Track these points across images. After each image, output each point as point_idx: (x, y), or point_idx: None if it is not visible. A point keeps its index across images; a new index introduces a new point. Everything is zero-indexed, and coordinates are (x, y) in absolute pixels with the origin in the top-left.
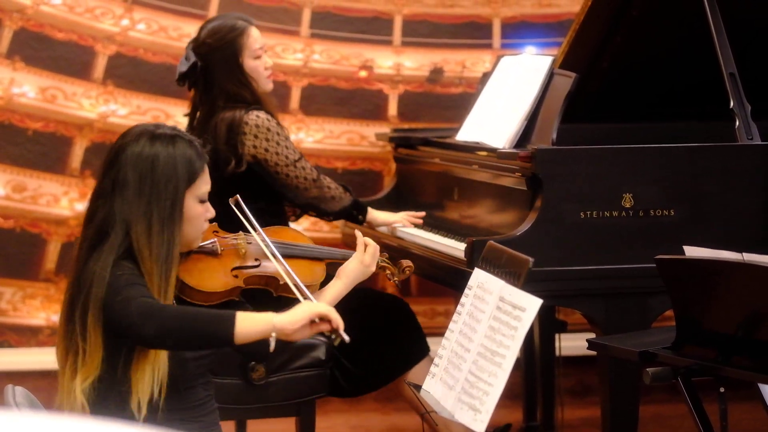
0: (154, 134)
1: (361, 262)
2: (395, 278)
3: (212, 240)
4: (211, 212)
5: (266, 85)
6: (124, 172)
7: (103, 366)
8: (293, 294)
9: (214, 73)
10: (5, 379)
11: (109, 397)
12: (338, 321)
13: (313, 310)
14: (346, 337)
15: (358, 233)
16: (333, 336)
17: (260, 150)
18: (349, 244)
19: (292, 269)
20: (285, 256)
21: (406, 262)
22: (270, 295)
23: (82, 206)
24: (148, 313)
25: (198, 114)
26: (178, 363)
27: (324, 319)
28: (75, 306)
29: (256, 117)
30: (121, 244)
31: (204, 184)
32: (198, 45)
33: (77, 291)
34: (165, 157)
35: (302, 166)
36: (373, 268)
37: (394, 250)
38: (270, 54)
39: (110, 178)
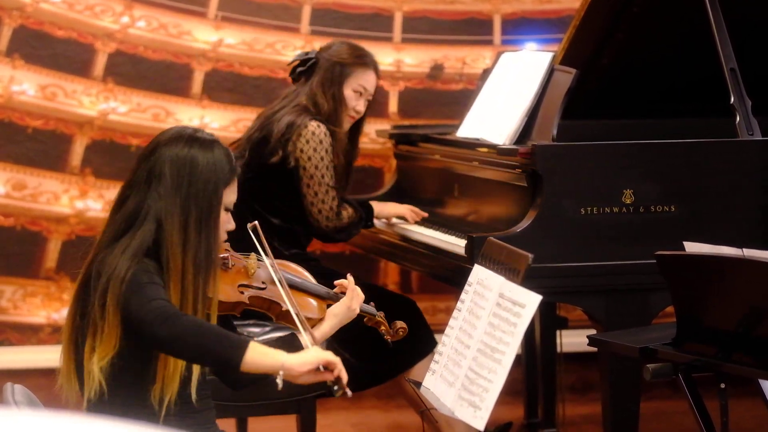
0: (192, 137)
1: (348, 307)
2: (387, 337)
3: (225, 254)
4: (232, 224)
5: (344, 120)
6: (161, 166)
7: (122, 345)
8: (293, 323)
9: (317, 75)
10: (5, 377)
11: (127, 377)
12: (343, 373)
13: (323, 357)
14: (349, 392)
15: (349, 278)
16: (335, 387)
17: (304, 156)
18: (351, 241)
19: (296, 301)
20: (291, 287)
21: (400, 324)
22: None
23: (82, 204)
24: (164, 315)
25: (283, 101)
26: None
27: (329, 368)
28: (93, 287)
29: (317, 126)
30: (150, 237)
31: (232, 194)
32: (325, 47)
33: (95, 275)
34: (204, 159)
35: (332, 196)
36: (356, 312)
37: (395, 246)
38: (270, 51)
39: (145, 169)
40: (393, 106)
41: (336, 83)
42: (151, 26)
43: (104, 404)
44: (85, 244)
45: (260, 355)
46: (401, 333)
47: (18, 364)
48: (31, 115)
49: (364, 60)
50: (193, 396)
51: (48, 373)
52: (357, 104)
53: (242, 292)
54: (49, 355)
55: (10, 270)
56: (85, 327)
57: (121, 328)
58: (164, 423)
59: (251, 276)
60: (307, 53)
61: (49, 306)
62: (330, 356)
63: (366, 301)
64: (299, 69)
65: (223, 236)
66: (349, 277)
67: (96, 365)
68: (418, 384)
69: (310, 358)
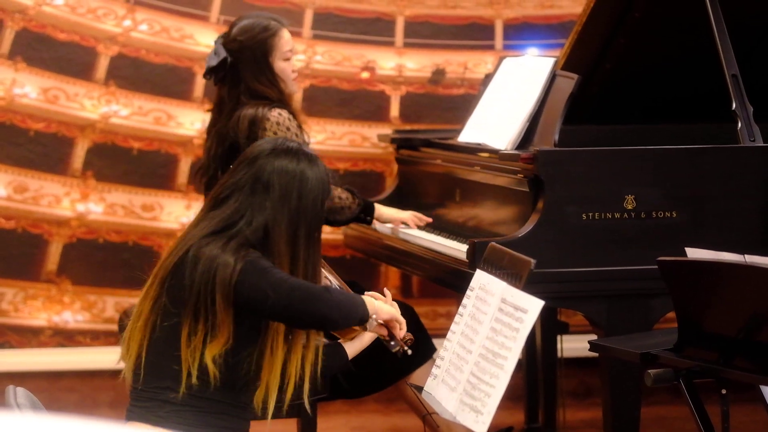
0: (299, 150)
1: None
2: (397, 349)
3: None
4: None
5: (293, 87)
6: (269, 176)
7: (237, 340)
8: (347, 332)
9: (243, 70)
10: (6, 379)
11: (239, 370)
12: (404, 331)
13: (395, 313)
14: (409, 350)
15: (387, 293)
16: (393, 343)
17: None
18: (351, 245)
19: None
20: None
21: (408, 335)
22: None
23: (83, 207)
24: (319, 292)
25: (222, 109)
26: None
27: (394, 326)
28: (182, 275)
29: (278, 114)
30: (255, 241)
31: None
32: (229, 41)
33: (192, 265)
34: (312, 174)
35: None
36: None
37: (396, 251)
38: None
39: (250, 174)
40: (394, 110)
41: (264, 65)
42: (153, 30)
43: (199, 397)
44: (86, 247)
45: (372, 306)
46: (409, 342)
47: (18, 366)
48: (33, 117)
49: (269, 28)
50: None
51: (48, 376)
52: (291, 66)
53: None
54: (50, 358)
55: (11, 272)
56: (179, 316)
57: (234, 320)
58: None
59: None
60: (217, 56)
61: (50, 309)
62: (398, 315)
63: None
64: (220, 74)
65: None
66: (387, 292)
67: (208, 356)
68: (420, 389)
69: (389, 311)
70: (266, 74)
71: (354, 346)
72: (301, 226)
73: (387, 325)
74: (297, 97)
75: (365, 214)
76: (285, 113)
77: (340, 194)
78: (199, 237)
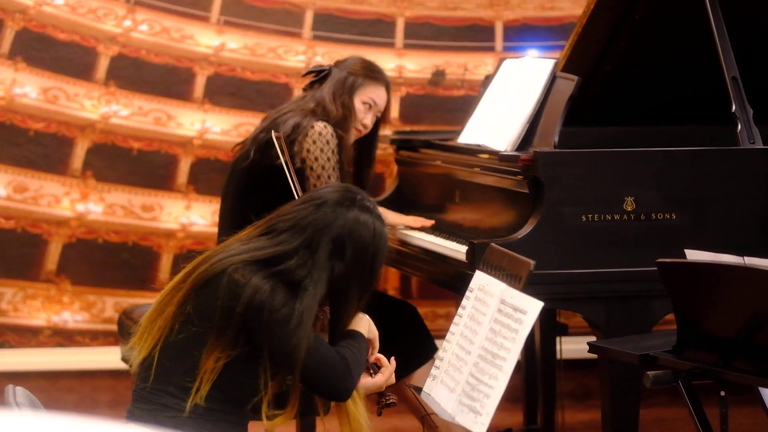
0: (372, 210)
1: (380, 386)
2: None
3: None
4: None
5: (351, 132)
6: (342, 238)
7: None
8: None
9: (328, 82)
10: (6, 379)
11: (246, 386)
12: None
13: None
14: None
15: (392, 362)
16: (372, 371)
17: (311, 156)
18: None
19: None
20: None
21: (392, 397)
22: None
23: (83, 207)
24: (344, 370)
25: (290, 104)
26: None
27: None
28: (212, 293)
29: (324, 127)
30: (319, 301)
31: None
32: (341, 60)
33: (226, 292)
34: (383, 243)
35: None
36: (383, 389)
37: (396, 252)
38: (272, 56)
39: (315, 218)
40: (394, 111)
41: (347, 92)
42: (153, 30)
43: (201, 406)
44: (86, 247)
45: (364, 330)
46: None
47: (17, 366)
48: (32, 117)
49: (377, 75)
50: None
51: (48, 376)
52: (365, 117)
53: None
54: (49, 358)
55: (11, 272)
56: (202, 329)
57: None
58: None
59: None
60: (322, 66)
61: (49, 309)
62: (391, 378)
63: (366, 308)
64: (312, 79)
65: None
66: (392, 360)
67: (212, 364)
68: (419, 389)
69: (372, 332)
70: (344, 98)
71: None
72: (366, 294)
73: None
74: (347, 143)
75: None
76: (330, 128)
77: None
78: (242, 260)
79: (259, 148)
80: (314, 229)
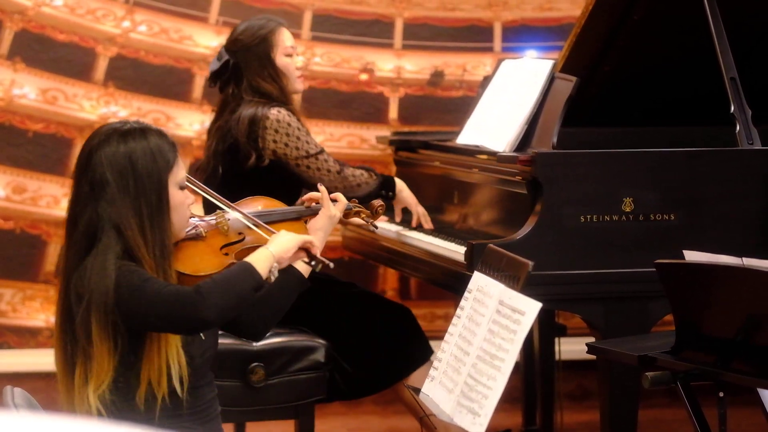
0: (123, 131)
1: (329, 216)
2: (370, 220)
3: (193, 225)
4: (191, 198)
5: (297, 84)
6: (101, 172)
7: (118, 370)
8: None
9: (245, 68)
10: (4, 380)
11: (127, 400)
12: (319, 248)
13: (301, 238)
14: (330, 263)
15: (321, 188)
16: (314, 263)
17: (280, 145)
18: (350, 247)
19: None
20: (267, 223)
21: (378, 202)
22: None
23: None
24: (191, 297)
25: (225, 109)
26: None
27: (306, 247)
28: (73, 314)
29: (277, 112)
30: (115, 245)
31: (180, 170)
32: (230, 43)
33: (75, 299)
34: (141, 150)
35: (324, 159)
36: (339, 217)
37: (394, 253)
38: None
39: (87, 181)
40: (393, 112)
41: (267, 62)
42: (152, 31)
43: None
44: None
45: (260, 261)
46: (380, 211)
47: (16, 367)
48: (31, 118)
49: (270, 26)
50: (183, 395)
51: (46, 377)
52: (294, 63)
53: (226, 254)
54: (48, 359)
55: (10, 273)
56: (73, 357)
57: (114, 351)
58: (159, 424)
59: (226, 233)
60: (219, 59)
61: (48, 309)
62: (307, 237)
63: (363, 310)
64: (224, 77)
65: (187, 214)
66: (320, 186)
67: (92, 394)
68: (417, 390)
69: (291, 242)
70: (268, 70)
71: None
72: (144, 210)
73: (301, 252)
74: (296, 98)
75: (387, 190)
76: (284, 111)
77: (353, 173)
78: (72, 268)
79: (224, 159)
80: (90, 186)
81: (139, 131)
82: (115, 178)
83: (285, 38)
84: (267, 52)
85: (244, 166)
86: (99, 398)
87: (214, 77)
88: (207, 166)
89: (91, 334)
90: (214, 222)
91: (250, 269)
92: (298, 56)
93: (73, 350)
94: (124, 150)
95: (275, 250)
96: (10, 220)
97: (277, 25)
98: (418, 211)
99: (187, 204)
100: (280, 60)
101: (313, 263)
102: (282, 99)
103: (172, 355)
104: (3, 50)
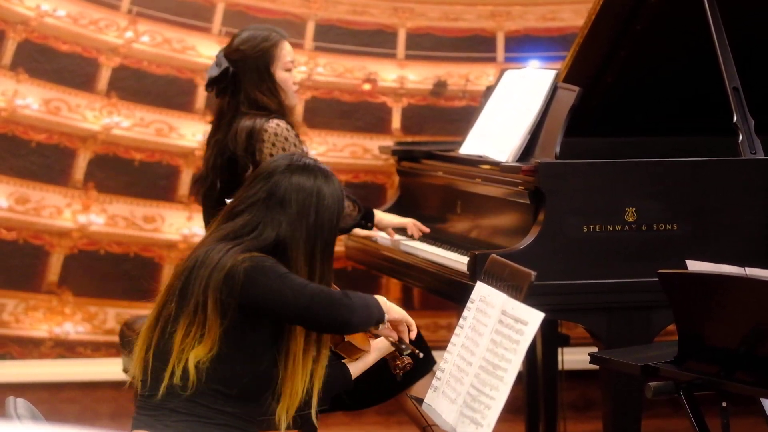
0: (315, 167)
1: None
2: (397, 371)
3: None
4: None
5: (294, 99)
6: (286, 193)
7: (252, 370)
8: (350, 354)
9: (244, 80)
10: (7, 391)
11: (246, 383)
12: (406, 342)
13: (408, 317)
14: (420, 353)
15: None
16: (404, 346)
17: None
18: (353, 257)
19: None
20: None
21: (407, 360)
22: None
23: (85, 218)
24: (342, 300)
25: (222, 120)
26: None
27: (404, 329)
28: (195, 278)
29: (276, 125)
30: (262, 249)
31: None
32: (231, 51)
33: (200, 264)
34: (328, 191)
35: None
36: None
37: (397, 263)
38: None
39: (264, 190)
40: (396, 122)
41: (266, 75)
42: (155, 41)
43: (206, 407)
44: (87, 259)
45: (383, 302)
46: (407, 368)
47: (19, 377)
48: (34, 129)
49: (273, 39)
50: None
51: (49, 387)
52: (293, 78)
53: (370, 337)
54: (51, 369)
55: (13, 283)
56: (178, 317)
57: (224, 326)
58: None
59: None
60: (219, 66)
61: (51, 320)
62: (410, 318)
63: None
64: (222, 85)
65: None
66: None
67: (192, 361)
68: (420, 401)
69: (402, 312)
70: (267, 83)
71: (357, 366)
72: (318, 242)
73: (396, 328)
74: (298, 110)
75: (365, 221)
76: (283, 124)
77: None
78: (208, 246)
79: (222, 173)
80: (266, 198)
81: (329, 173)
82: (299, 203)
83: (286, 52)
84: (267, 66)
85: (242, 178)
86: (198, 367)
87: (212, 83)
88: (206, 180)
89: (206, 310)
90: None
91: (378, 304)
92: (298, 66)
93: (178, 311)
94: (314, 184)
95: (389, 308)
96: (13, 230)
97: (280, 39)
98: (407, 224)
99: None
100: (280, 74)
101: (403, 347)
102: (281, 112)
103: (316, 388)
104: (6, 61)
